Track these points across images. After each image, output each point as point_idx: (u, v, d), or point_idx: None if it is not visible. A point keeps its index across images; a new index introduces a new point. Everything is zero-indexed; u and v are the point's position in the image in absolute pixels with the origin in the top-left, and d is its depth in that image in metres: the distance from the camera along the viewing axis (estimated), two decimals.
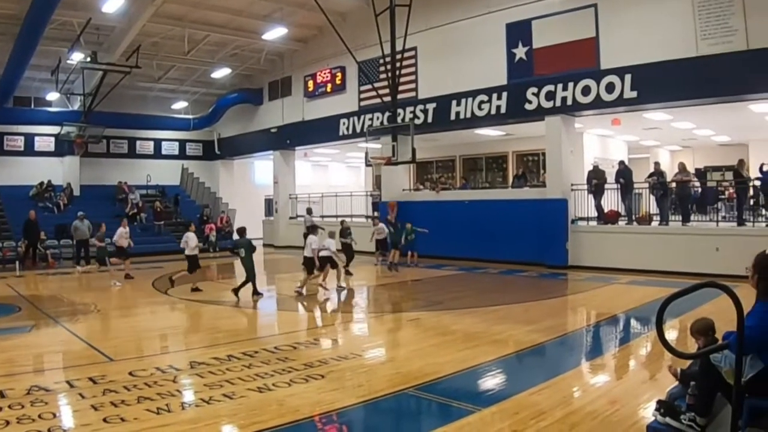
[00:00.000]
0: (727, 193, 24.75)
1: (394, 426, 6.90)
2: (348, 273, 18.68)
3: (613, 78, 19.28)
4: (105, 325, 12.28)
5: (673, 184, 20.57)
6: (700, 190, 24.06)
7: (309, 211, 26.14)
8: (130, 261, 20.66)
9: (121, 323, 12.86)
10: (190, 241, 17.32)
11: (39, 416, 6.37)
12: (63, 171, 32.31)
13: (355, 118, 28.09)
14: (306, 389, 7.44)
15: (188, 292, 16.27)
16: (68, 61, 25.58)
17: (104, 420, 6.27)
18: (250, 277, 15.40)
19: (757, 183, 19.60)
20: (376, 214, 24.89)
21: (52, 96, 30.71)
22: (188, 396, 7.30)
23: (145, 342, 10.92)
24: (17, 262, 23.42)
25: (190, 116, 36.13)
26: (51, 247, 25.62)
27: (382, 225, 21.78)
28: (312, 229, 17.48)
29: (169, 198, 33.99)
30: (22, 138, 32.11)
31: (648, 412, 6.04)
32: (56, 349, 10.16)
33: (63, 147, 31.10)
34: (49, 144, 32.23)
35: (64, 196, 30.34)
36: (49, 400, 7.00)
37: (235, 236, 18.54)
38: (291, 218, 32.59)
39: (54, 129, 29.85)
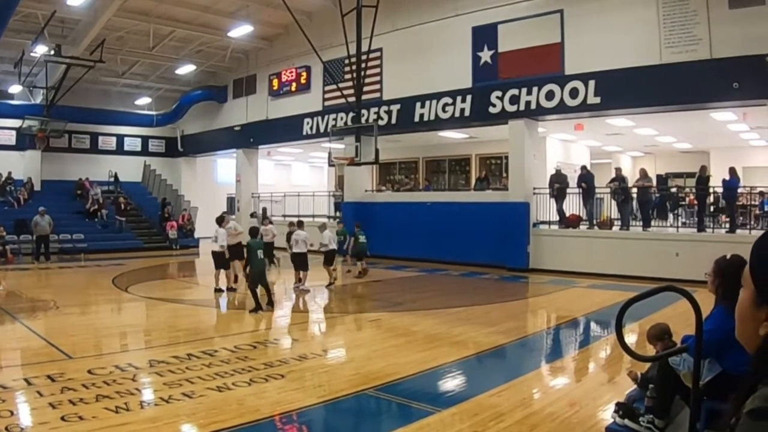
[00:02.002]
0: (687, 199, 25.09)
1: (354, 427, 6.87)
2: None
3: (577, 83, 19.45)
4: (64, 322, 12.07)
5: (635, 190, 20.80)
6: (659, 195, 24.36)
7: (264, 212, 25.92)
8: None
9: (80, 320, 12.67)
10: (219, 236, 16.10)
11: None
12: (24, 165, 31.66)
13: (319, 117, 27.99)
14: (266, 389, 7.40)
15: (149, 289, 16.11)
16: (32, 54, 25.24)
17: (62, 418, 6.17)
18: (265, 283, 13.71)
19: (719, 190, 19.89)
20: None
21: (15, 89, 30.19)
22: (147, 395, 7.21)
23: (104, 340, 10.78)
24: None
25: (154, 112, 35.74)
26: (10, 242, 25.15)
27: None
28: (300, 224, 17.51)
29: (124, 191, 33.64)
30: None
31: (607, 414, 6.09)
32: (14, 346, 9.98)
33: (24, 141, 30.65)
34: (10, 137, 31.56)
35: (25, 191, 29.81)
36: (6, 397, 6.87)
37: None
38: (253, 217, 32.39)
39: (16, 122, 29.47)
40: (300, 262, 16.55)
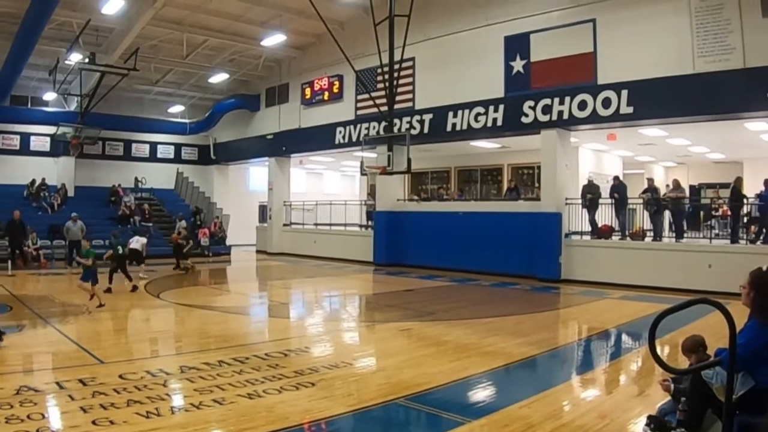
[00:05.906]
0: (721, 210, 24.79)
1: None
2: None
3: (610, 93, 19.30)
4: (95, 327, 12.17)
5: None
6: (691, 206, 24.11)
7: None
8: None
9: (112, 326, 12.80)
10: None
11: (28, 416, 6.34)
12: (58, 171, 32.11)
13: (352, 126, 28.06)
14: (296, 397, 7.41)
15: (181, 296, 16.21)
16: (66, 62, 25.55)
17: (93, 422, 6.23)
18: None
19: (754, 200, 19.64)
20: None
21: (49, 96, 30.66)
22: (178, 400, 7.26)
23: (135, 345, 10.88)
24: (9, 262, 23.20)
25: (187, 120, 36.09)
26: (44, 247, 25.43)
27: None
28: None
29: (157, 198, 34.19)
30: (18, 137, 31.91)
31: (638, 428, 6.04)
32: (46, 350, 10.08)
33: (58, 147, 30.99)
34: (44, 144, 31.98)
35: (58, 197, 30.23)
36: (38, 400, 6.96)
37: None
38: (285, 225, 32.54)
39: (50, 129, 29.70)
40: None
